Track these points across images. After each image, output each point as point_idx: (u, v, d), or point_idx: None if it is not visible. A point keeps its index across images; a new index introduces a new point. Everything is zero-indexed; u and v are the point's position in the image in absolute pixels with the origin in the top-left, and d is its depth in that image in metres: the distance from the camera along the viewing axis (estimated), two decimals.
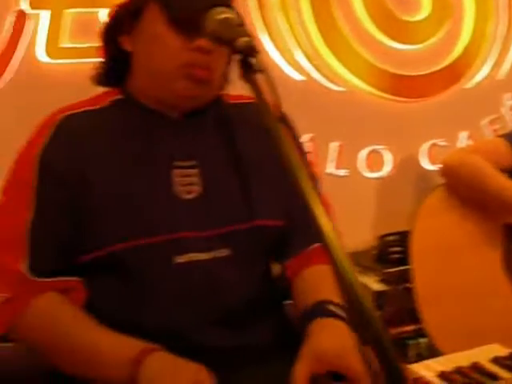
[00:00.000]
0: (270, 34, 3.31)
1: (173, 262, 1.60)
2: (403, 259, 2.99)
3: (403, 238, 3.02)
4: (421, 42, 3.64)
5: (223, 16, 1.36)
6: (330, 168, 3.50)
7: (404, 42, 3.61)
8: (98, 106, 1.71)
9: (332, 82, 3.47)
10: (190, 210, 1.63)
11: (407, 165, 3.67)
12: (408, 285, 2.79)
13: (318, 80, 3.45)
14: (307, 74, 3.42)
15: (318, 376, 1.44)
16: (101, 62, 1.75)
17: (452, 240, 2.78)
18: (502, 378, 1.51)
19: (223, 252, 1.64)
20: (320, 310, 1.59)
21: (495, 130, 3.78)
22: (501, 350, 1.65)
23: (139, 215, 1.60)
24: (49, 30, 2.89)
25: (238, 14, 1.53)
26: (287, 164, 1.14)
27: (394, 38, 3.58)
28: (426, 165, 3.70)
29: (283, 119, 1.19)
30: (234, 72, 1.53)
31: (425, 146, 3.69)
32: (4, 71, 2.84)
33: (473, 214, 2.80)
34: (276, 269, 1.81)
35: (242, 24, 1.35)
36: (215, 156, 1.71)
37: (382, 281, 3.21)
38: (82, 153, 1.61)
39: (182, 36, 1.59)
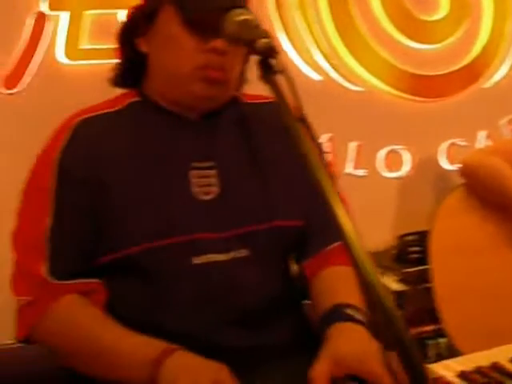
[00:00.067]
0: (288, 34, 3.32)
1: (191, 263, 1.60)
2: (422, 259, 2.98)
3: (422, 237, 3.01)
4: (439, 42, 3.63)
5: (242, 17, 1.36)
6: (349, 168, 3.51)
7: (422, 42, 3.60)
8: (115, 108, 1.71)
9: (350, 81, 3.47)
10: (207, 211, 1.63)
11: (426, 165, 3.66)
12: (427, 285, 2.79)
13: (336, 80, 3.45)
14: (325, 74, 3.42)
15: (336, 379, 1.44)
16: (117, 64, 1.75)
17: (471, 240, 2.77)
18: None
19: (242, 252, 1.64)
20: (338, 314, 1.58)
21: None
22: None
23: (158, 217, 1.60)
24: (68, 32, 2.91)
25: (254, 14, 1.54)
26: (307, 163, 1.14)
27: (412, 38, 3.58)
28: (445, 164, 3.70)
29: (303, 120, 1.19)
30: (252, 72, 1.54)
31: (443, 146, 3.68)
32: (24, 72, 2.86)
33: (492, 214, 2.79)
34: (295, 268, 1.81)
35: (260, 25, 1.35)
36: (233, 156, 1.70)
37: (401, 281, 3.21)
38: (99, 155, 1.62)
39: (196, 37, 1.59)
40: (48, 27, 2.88)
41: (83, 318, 1.59)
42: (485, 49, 3.70)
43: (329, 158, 3.29)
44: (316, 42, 3.38)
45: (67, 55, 2.92)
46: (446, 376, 1.51)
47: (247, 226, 1.65)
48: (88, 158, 1.61)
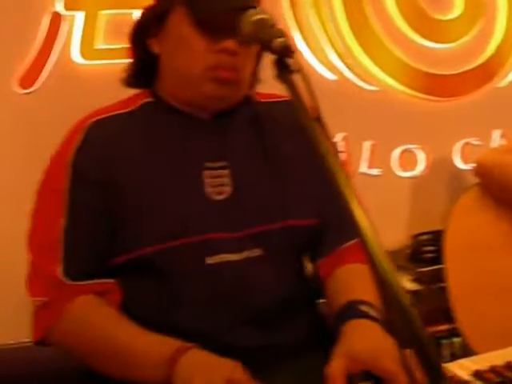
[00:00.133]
0: (302, 33, 3.32)
1: (204, 263, 1.60)
2: (436, 258, 2.99)
3: (436, 237, 3.01)
4: (453, 41, 3.62)
5: (258, 17, 1.36)
6: (363, 167, 3.50)
7: (437, 41, 3.59)
8: (128, 109, 1.71)
9: (364, 81, 3.47)
10: (220, 211, 1.63)
11: (440, 164, 3.65)
12: (441, 284, 2.79)
13: (350, 79, 3.45)
14: (340, 74, 3.42)
15: (352, 376, 1.44)
16: (130, 65, 1.76)
17: (486, 239, 2.77)
18: None
19: (255, 252, 1.64)
20: (352, 310, 1.58)
21: None
22: None
23: (171, 217, 1.61)
24: (83, 32, 2.92)
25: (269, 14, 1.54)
26: (323, 162, 1.14)
27: (426, 37, 3.57)
28: (459, 164, 3.68)
29: (319, 119, 1.19)
30: (265, 71, 1.54)
31: (458, 145, 3.67)
32: (39, 72, 2.87)
33: (507, 213, 2.79)
34: (309, 267, 1.81)
35: (275, 24, 1.35)
36: (246, 156, 1.71)
37: (416, 280, 3.21)
38: (112, 157, 1.63)
39: (207, 38, 1.59)
40: (63, 27, 2.89)
41: (98, 318, 1.60)
42: (499, 48, 3.69)
43: (343, 157, 3.29)
44: (330, 41, 3.38)
45: (82, 55, 2.93)
46: (460, 375, 1.51)
47: (260, 225, 1.65)
48: (101, 159, 1.62)
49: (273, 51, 1.25)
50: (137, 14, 2.75)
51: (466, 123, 3.67)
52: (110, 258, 1.62)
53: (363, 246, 1.04)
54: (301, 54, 3.28)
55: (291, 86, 1.22)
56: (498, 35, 3.69)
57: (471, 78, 3.66)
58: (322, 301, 1.80)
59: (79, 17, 2.91)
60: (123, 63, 1.77)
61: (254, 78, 1.76)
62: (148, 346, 1.50)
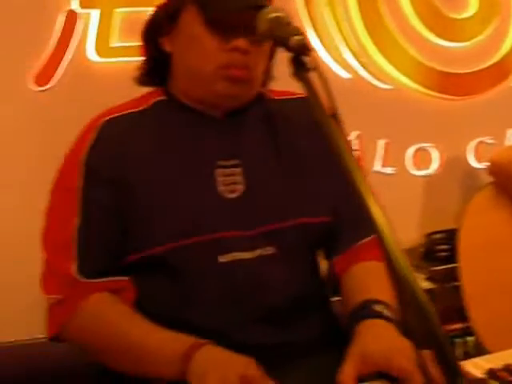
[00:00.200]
0: (317, 31, 3.32)
1: (217, 261, 1.60)
2: (450, 257, 2.98)
3: (450, 235, 3.01)
4: (468, 40, 3.62)
5: (274, 15, 1.35)
6: (377, 166, 3.50)
7: (451, 40, 3.59)
8: (140, 108, 1.72)
9: (379, 79, 3.47)
10: (233, 210, 1.63)
11: (454, 163, 3.65)
12: (455, 283, 2.79)
13: (365, 78, 3.45)
14: (354, 72, 3.42)
15: (365, 377, 1.44)
16: (142, 63, 1.77)
17: (500, 238, 2.76)
18: None
19: (268, 250, 1.64)
20: (366, 310, 1.58)
21: None
22: None
23: (183, 216, 1.61)
24: (99, 29, 2.93)
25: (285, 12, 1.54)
26: (340, 159, 1.14)
27: (441, 36, 3.56)
28: (474, 163, 3.68)
29: (335, 117, 1.19)
30: (278, 69, 1.54)
31: (472, 144, 3.67)
32: (55, 70, 2.88)
33: None
34: (324, 265, 1.81)
35: (291, 22, 1.35)
36: (258, 154, 1.71)
37: (429, 279, 3.21)
38: (125, 155, 1.63)
39: (218, 37, 1.59)
40: (79, 25, 2.90)
41: (111, 315, 1.60)
42: None
43: (357, 155, 3.29)
44: (345, 39, 3.38)
45: (98, 53, 2.94)
46: (474, 373, 1.51)
47: (273, 223, 1.65)
48: (114, 158, 1.63)
49: (289, 49, 1.25)
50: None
51: (480, 122, 3.66)
52: (124, 256, 1.63)
53: (380, 242, 1.03)
54: (315, 53, 3.27)
55: (308, 83, 1.22)
56: None
57: (486, 77, 3.66)
58: (335, 299, 1.80)
59: (94, 15, 2.92)
60: (138, 61, 1.78)
61: (267, 76, 1.76)
62: (162, 342, 1.50)
